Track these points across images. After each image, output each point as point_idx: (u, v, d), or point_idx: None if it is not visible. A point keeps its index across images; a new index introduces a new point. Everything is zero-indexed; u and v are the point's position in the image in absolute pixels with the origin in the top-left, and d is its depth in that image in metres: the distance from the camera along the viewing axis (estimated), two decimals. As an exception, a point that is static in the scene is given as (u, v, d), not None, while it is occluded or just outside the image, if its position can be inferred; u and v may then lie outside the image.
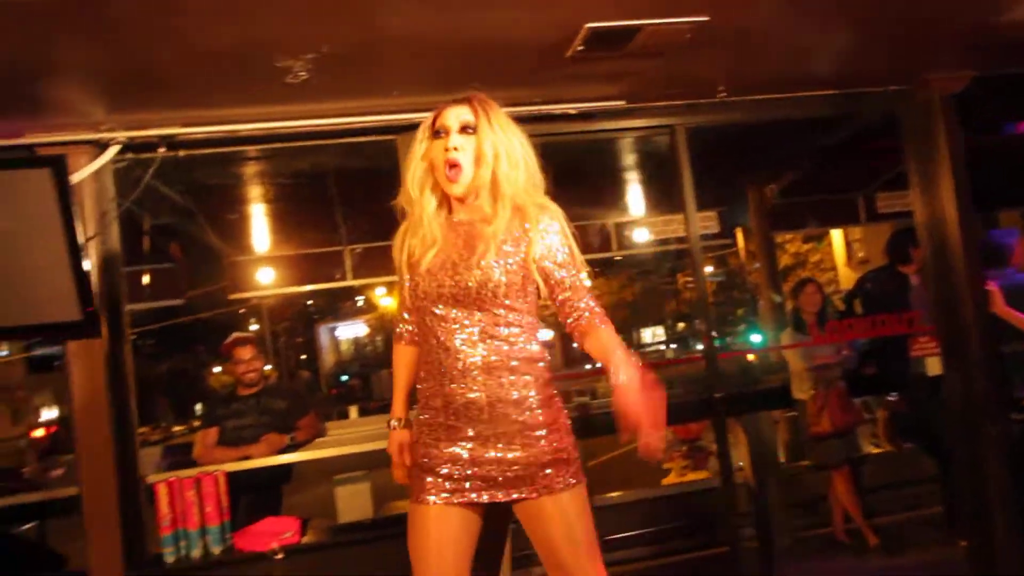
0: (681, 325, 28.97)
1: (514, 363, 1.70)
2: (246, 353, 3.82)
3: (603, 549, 2.58)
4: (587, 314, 1.74)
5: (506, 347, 1.70)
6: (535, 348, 1.75)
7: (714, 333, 3.36)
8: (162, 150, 2.70)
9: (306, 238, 5.03)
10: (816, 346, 3.92)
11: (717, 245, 6.72)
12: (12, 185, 2.45)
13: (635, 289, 27.36)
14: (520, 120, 2.84)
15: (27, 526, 4.17)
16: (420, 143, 1.81)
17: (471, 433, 1.69)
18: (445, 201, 1.81)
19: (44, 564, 3.36)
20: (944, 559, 3.49)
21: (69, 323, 2.55)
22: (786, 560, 3.93)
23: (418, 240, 1.78)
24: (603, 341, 1.71)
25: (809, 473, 4.36)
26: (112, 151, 2.67)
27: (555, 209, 1.80)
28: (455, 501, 1.69)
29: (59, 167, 2.46)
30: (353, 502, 4.05)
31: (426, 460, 1.73)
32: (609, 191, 5.00)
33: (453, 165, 1.73)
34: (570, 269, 1.76)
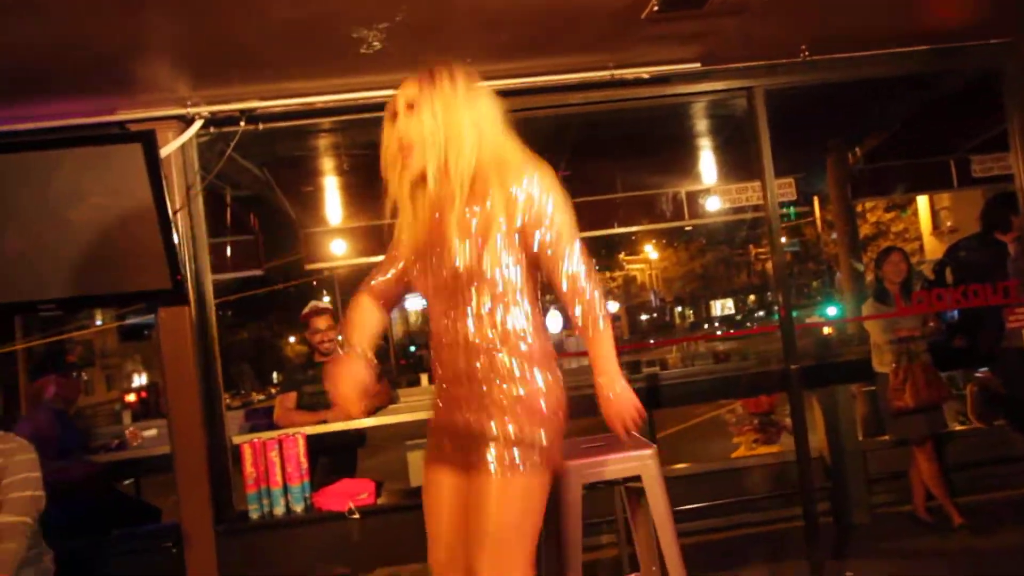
0: (752, 298, 28.26)
1: (493, 338, 1.64)
2: (322, 323, 3.94)
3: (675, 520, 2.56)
4: (585, 309, 1.65)
5: (487, 324, 1.64)
6: (518, 324, 1.65)
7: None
8: (242, 124, 2.79)
9: (378, 210, 5.11)
10: (899, 317, 3.75)
11: (793, 213, 6.47)
12: (106, 160, 2.58)
13: (705, 260, 26.79)
14: (593, 86, 2.84)
15: (126, 482, 4.47)
16: (383, 127, 1.75)
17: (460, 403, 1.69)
18: (422, 180, 1.70)
19: (143, 516, 3.60)
20: (1037, 542, 3.33)
21: (160, 291, 2.68)
22: (863, 537, 3.83)
23: (402, 223, 1.75)
24: (596, 349, 1.69)
25: (888, 449, 4.20)
26: (197, 125, 2.78)
27: (532, 168, 1.67)
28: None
29: (149, 142, 2.58)
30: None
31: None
32: (681, 158, 4.87)
33: (402, 147, 1.68)
34: (561, 240, 1.65)
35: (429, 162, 1.65)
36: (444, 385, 1.72)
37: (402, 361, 23.19)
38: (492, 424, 1.61)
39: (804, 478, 2.95)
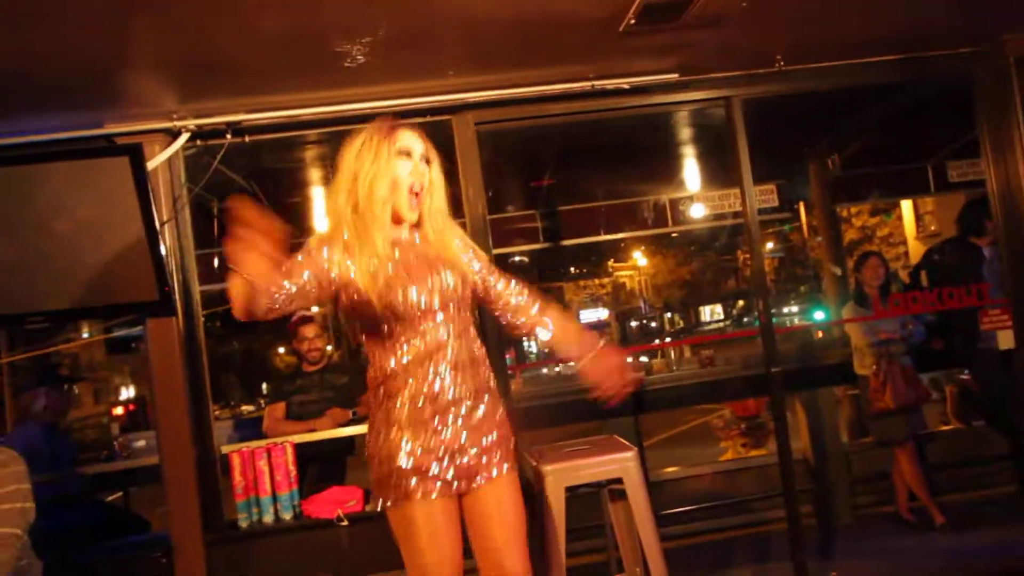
0: (740, 303, 28.41)
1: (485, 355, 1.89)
2: (310, 331, 3.96)
3: (660, 523, 2.60)
4: (532, 297, 1.95)
5: (479, 342, 1.88)
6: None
7: (772, 310, 3.31)
8: (228, 136, 2.82)
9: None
10: (878, 320, 3.82)
11: (777, 220, 6.55)
12: (94, 173, 2.61)
13: (692, 267, 26.93)
14: (574, 96, 2.90)
15: (114, 496, 4.46)
16: (385, 159, 1.78)
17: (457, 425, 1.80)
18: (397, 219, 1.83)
19: (131, 528, 3.60)
20: (1015, 538, 3.39)
21: (148, 303, 2.71)
22: (846, 538, 3.88)
23: (366, 256, 1.75)
24: (563, 314, 1.95)
25: (871, 450, 4.27)
26: (183, 138, 2.81)
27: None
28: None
29: (136, 155, 2.61)
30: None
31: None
32: (664, 166, 4.94)
33: (417, 192, 1.81)
34: (492, 270, 1.97)
35: (426, 208, 1.84)
36: (453, 408, 1.77)
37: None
38: (495, 433, 1.84)
39: (787, 480, 3.00)
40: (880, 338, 3.81)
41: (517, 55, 2.65)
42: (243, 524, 2.77)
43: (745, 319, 26.28)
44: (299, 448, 2.97)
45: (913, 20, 2.81)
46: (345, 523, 2.74)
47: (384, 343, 1.78)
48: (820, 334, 6.16)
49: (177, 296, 2.80)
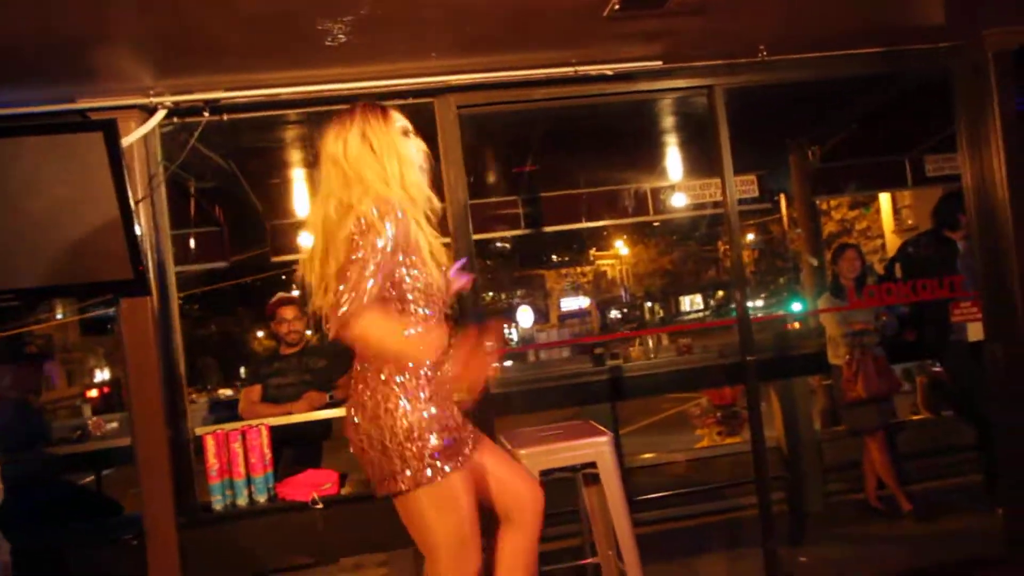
0: (720, 293, 28.66)
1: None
2: (289, 313, 3.93)
3: (635, 509, 2.62)
4: None
5: None
6: None
7: (751, 300, 3.34)
8: (206, 114, 2.77)
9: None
10: (852, 311, 3.87)
11: (758, 211, 6.61)
12: (66, 149, 2.55)
13: (673, 256, 27.08)
14: (557, 81, 2.89)
15: (87, 479, 4.42)
16: (405, 141, 1.85)
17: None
18: None
19: (103, 510, 3.56)
20: (979, 526, 3.47)
21: (122, 281, 2.66)
22: (817, 524, 3.95)
23: (426, 234, 1.83)
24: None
25: (844, 439, 4.34)
26: (159, 115, 2.75)
27: None
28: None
29: (111, 131, 2.55)
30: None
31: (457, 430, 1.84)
32: (646, 154, 4.95)
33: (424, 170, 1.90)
34: None
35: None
36: (452, 393, 1.85)
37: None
38: None
39: (759, 467, 3.04)
40: (854, 329, 3.86)
41: (501, 39, 2.62)
42: (217, 506, 2.74)
43: (724, 309, 26.51)
44: (275, 431, 2.96)
45: (894, 13, 2.83)
46: (320, 506, 2.73)
47: (429, 321, 1.83)
48: (797, 324, 6.24)
49: (152, 276, 2.76)
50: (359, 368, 1.84)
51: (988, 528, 3.32)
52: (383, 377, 1.77)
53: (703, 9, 2.43)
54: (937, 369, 5.07)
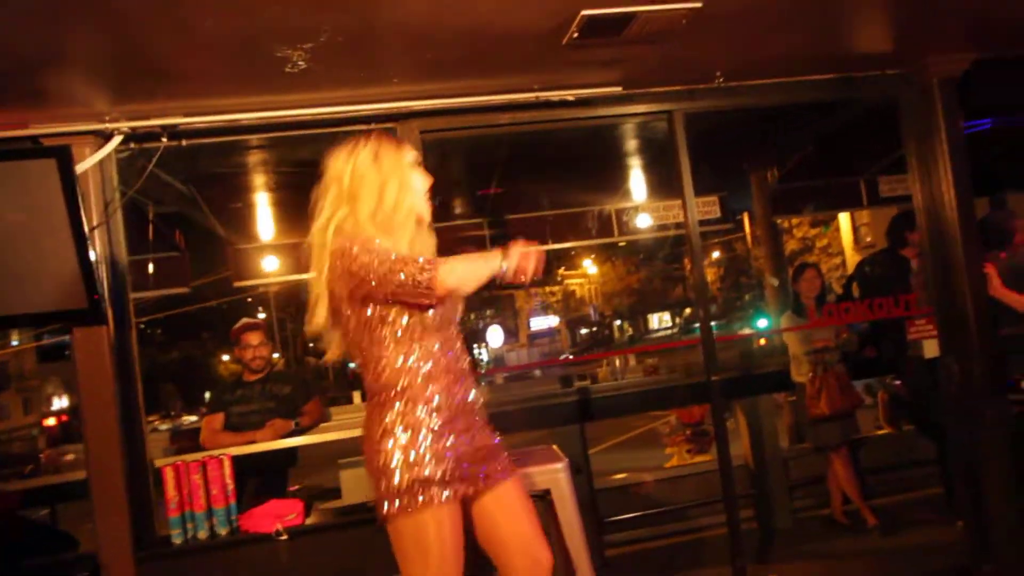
0: (688, 311, 28.98)
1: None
2: (254, 339, 3.87)
3: (605, 531, 2.58)
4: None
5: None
6: None
7: (717, 319, 3.37)
8: (164, 140, 2.74)
9: (310, 226, 5.06)
10: (813, 329, 3.94)
11: (721, 230, 6.72)
12: (19, 176, 2.49)
13: (640, 275, 27.35)
14: (519, 107, 2.92)
15: (42, 512, 4.26)
16: (407, 169, 1.90)
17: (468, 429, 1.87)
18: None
19: (58, 546, 3.44)
20: (941, 539, 3.53)
21: (75, 311, 2.59)
22: (785, 541, 3.99)
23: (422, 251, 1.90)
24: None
25: (810, 455, 4.40)
26: (115, 141, 2.71)
27: None
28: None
29: (64, 157, 2.50)
30: (357, 485, 4.09)
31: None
32: (610, 177, 5.01)
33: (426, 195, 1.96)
34: None
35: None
36: (458, 415, 1.84)
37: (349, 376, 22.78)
38: (495, 436, 1.94)
39: (727, 486, 3.06)
40: (815, 346, 3.93)
41: (461, 64, 2.65)
42: (176, 540, 2.66)
43: (692, 326, 26.80)
44: (239, 460, 2.89)
45: (845, 41, 2.92)
46: (285, 537, 2.67)
47: (408, 348, 1.81)
48: (763, 342, 6.33)
49: (108, 304, 2.69)
50: (369, 396, 1.89)
51: (950, 541, 3.38)
52: (382, 406, 1.81)
53: (660, 38, 2.48)
54: (897, 383, 5.18)
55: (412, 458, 1.76)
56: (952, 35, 3.01)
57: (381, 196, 1.84)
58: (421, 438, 1.78)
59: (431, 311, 1.82)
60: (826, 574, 3.47)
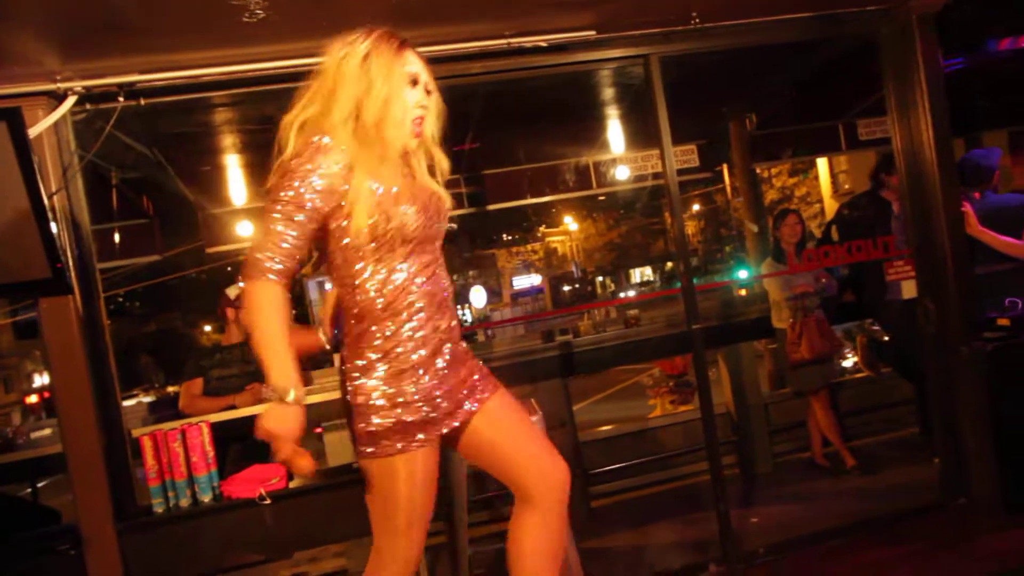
0: (669, 265, 29.13)
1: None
2: (231, 315, 3.80)
3: (590, 482, 2.59)
4: None
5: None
6: None
7: (699, 270, 3.35)
8: (121, 99, 2.62)
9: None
10: (793, 275, 3.95)
11: (700, 180, 6.67)
12: (-33, 141, 2.37)
13: (621, 230, 27.36)
14: (489, 55, 2.82)
15: (25, 491, 4.21)
16: (398, 80, 1.70)
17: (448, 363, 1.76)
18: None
19: (39, 520, 3.40)
20: (919, 477, 3.61)
21: (39, 281, 2.51)
22: (766, 485, 4.06)
23: (388, 173, 1.67)
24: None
25: (789, 400, 4.46)
26: (70, 102, 2.58)
27: None
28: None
29: (15, 120, 2.38)
30: (341, 447, 4.10)
31: (426, 407, 1.70)
32: (587, 128, 4.92)
33: (421, 122, 1.76)
34: None
35: (429, 138, 1.79)
36: (448, 344, 1.74)
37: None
38: (474, 359, 1.85)
39: (709, 434, 3.08)
40: (795, 292, 3.94)
41: (430, 10, 2.54)
42: (158, 509, 2.63)
43: (674, 280, 26.99)
44: (220, 427, 2.86)
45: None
46: (268, 501, 2.65)
47: (389, 266, 1.68)
48: (744, 291, 6.36)
49: (73, 273, 2.61)
50: (346, 324, 1.76)
51: (927, 478, 3.45)
52: (359, 337, 1.70)
53: (634, -24, 2.40)
54: (875, 328, 5.24)
55: (394, 398, 1.67)
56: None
57: (360, 103, 1.65)
58: (406, 374, 1.67)
59: (412, 224, 1.66)
60: (807, 516, 3.54)
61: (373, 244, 1.67)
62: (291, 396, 1.55)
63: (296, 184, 1.60)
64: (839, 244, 3.68)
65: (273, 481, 2.71)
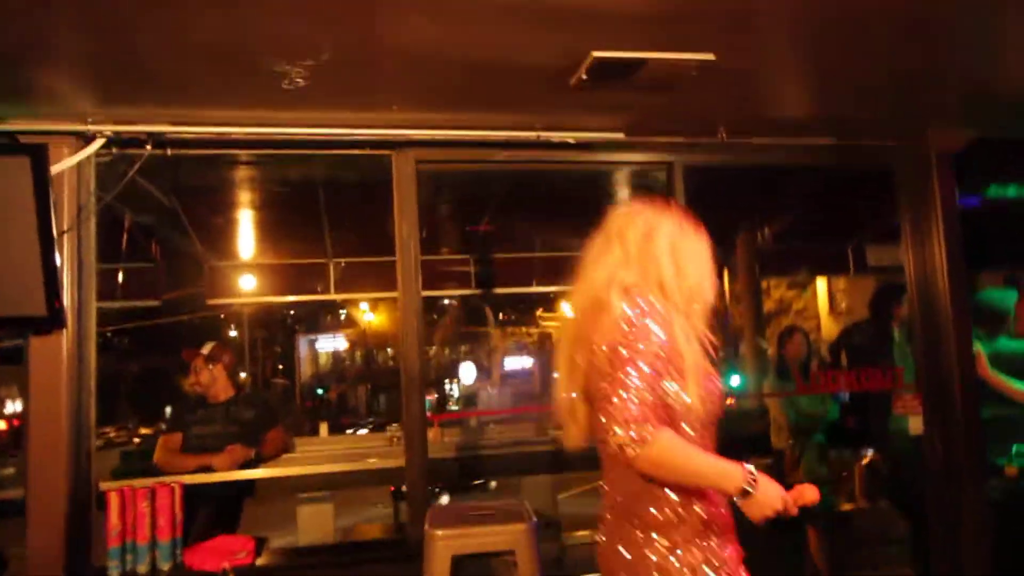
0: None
1: None
2: (198, 363, 3.71)
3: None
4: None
5: None
6: None
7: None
8: (149, 147, 2.63)
9: (291, 248, 4.95)
10: (797, 396, 3.88)
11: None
12: (-10, 171, 2.36)
13: (619, 323, 27.34)
14: (518, 146, 2.86)
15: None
16: (704, 245, 1.70)
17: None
18: None
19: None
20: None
21: (34, 317, 2.44)
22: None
23: (695, 337, 1.58)
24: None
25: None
26: (97, 144, 2.60)
27: None
28: None
29: (39, 156, 2.38)
30: (315, 522, 3.91)
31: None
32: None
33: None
34: None
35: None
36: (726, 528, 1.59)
37: (307, 404, 22.30)
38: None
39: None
40: (804, 414, 3.86)
41: (464, 96, 2.59)
42: (112, 573, 2.47)
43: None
44: (191, 487, 2.72)
45: (846, 109, 2.92)
46: (231, 577, 2.49)
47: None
48: (731, 401, 6.25)
49: (69, 313, 2.55)
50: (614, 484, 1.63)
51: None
52: (638, 498, 1.55)
53: (668, 87, 2.45)
54: (876, 456, 5.11)
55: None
56: (950, 112, 3.03)
57: (680, 266, 1.61)
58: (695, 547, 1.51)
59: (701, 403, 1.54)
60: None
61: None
62: (752, 476, 1.47)
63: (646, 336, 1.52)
64: (847, 369, 3.63)
65: (240, 555, 2.55)
